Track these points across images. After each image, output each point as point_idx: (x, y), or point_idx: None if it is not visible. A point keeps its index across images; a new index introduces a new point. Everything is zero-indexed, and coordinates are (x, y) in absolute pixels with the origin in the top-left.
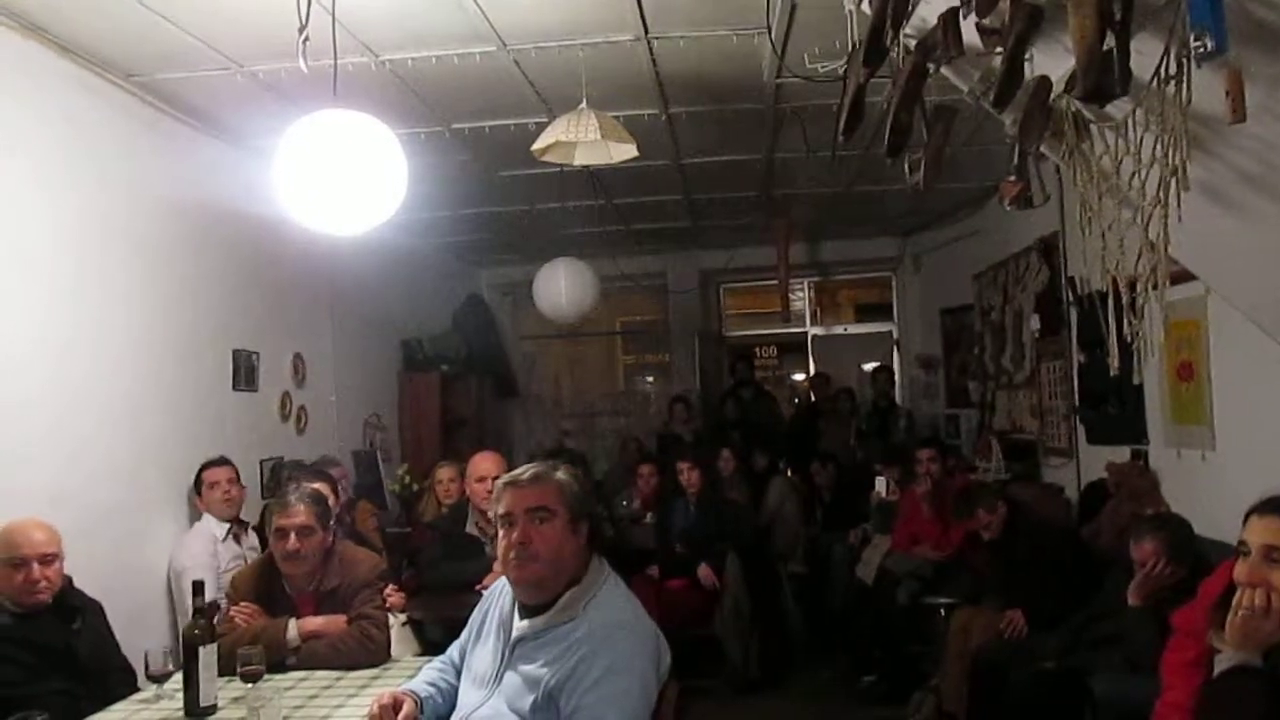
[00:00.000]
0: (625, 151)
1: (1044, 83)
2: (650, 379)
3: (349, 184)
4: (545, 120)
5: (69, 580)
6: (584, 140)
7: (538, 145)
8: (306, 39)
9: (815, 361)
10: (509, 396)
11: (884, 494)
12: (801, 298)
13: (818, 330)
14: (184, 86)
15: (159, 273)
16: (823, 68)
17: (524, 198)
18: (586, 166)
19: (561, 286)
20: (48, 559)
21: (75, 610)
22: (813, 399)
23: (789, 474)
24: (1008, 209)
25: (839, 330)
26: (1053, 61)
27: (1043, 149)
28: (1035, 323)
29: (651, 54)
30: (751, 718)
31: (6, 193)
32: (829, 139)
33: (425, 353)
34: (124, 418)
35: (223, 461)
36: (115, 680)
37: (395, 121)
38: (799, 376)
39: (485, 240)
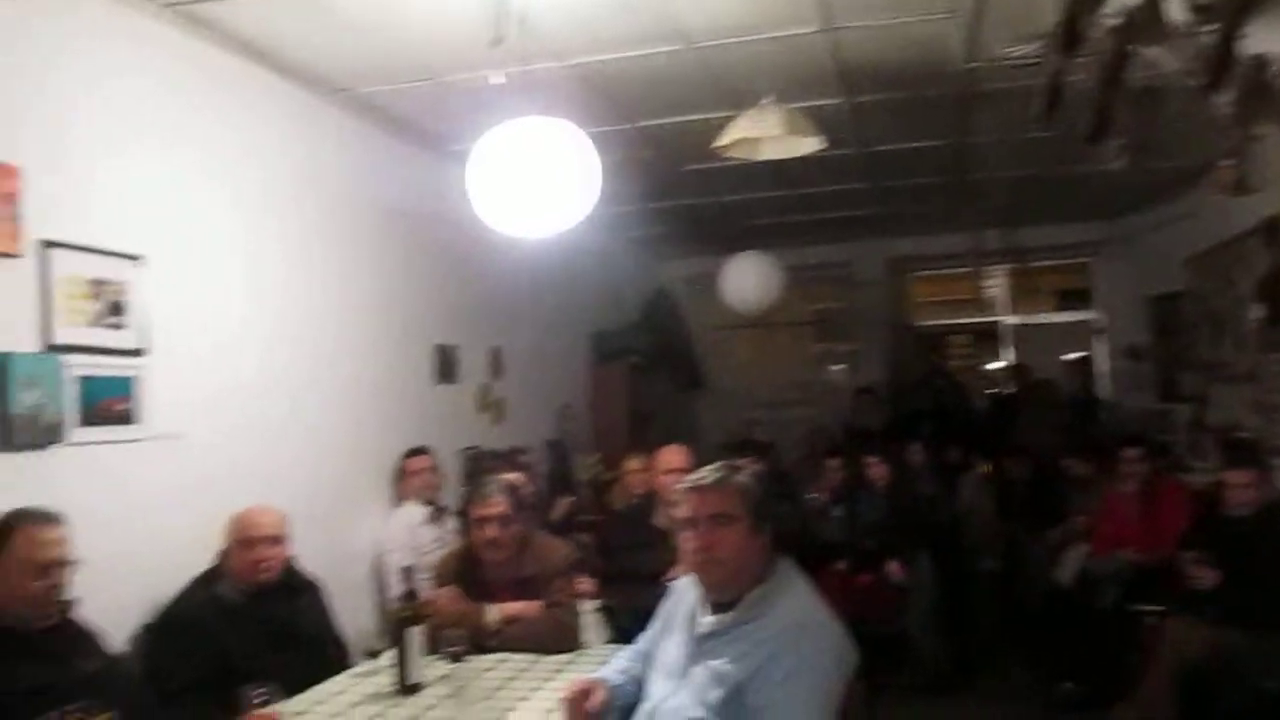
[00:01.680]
0: (809, 145)
1: (1262, 61)
2: (838, 368)
3: (541, 189)
4: (728, 114)
5: (292, 561)
6: (768, 135)
7: (721, 142)
8: (499, 46)
9: (1011, 351)
10: (696, 387)
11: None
12: (996, 285)
13: (1013, 318)
14: (388, 98)
15: (369, 274)
16: (1017, 51)
17: (709, 190)
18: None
19: (747, 280)
20: (274, 540)
21: (298, 589)
22: (1009, 390)
23: (983, 468)
24: (1224, 194)
25: (1036, 318)
26: (1273, 37)
27: (1262, 130)
28: (1258, 311)
29: (835, 44)
30: (940, 718)
31: (239, 204)
32: (1024, 122)
33: (614, 345)
34: (338, 411)
35: (422, 450)
36: (332, 655)
37: (582, 121)
38: (993, 366)
39: (672, 233)
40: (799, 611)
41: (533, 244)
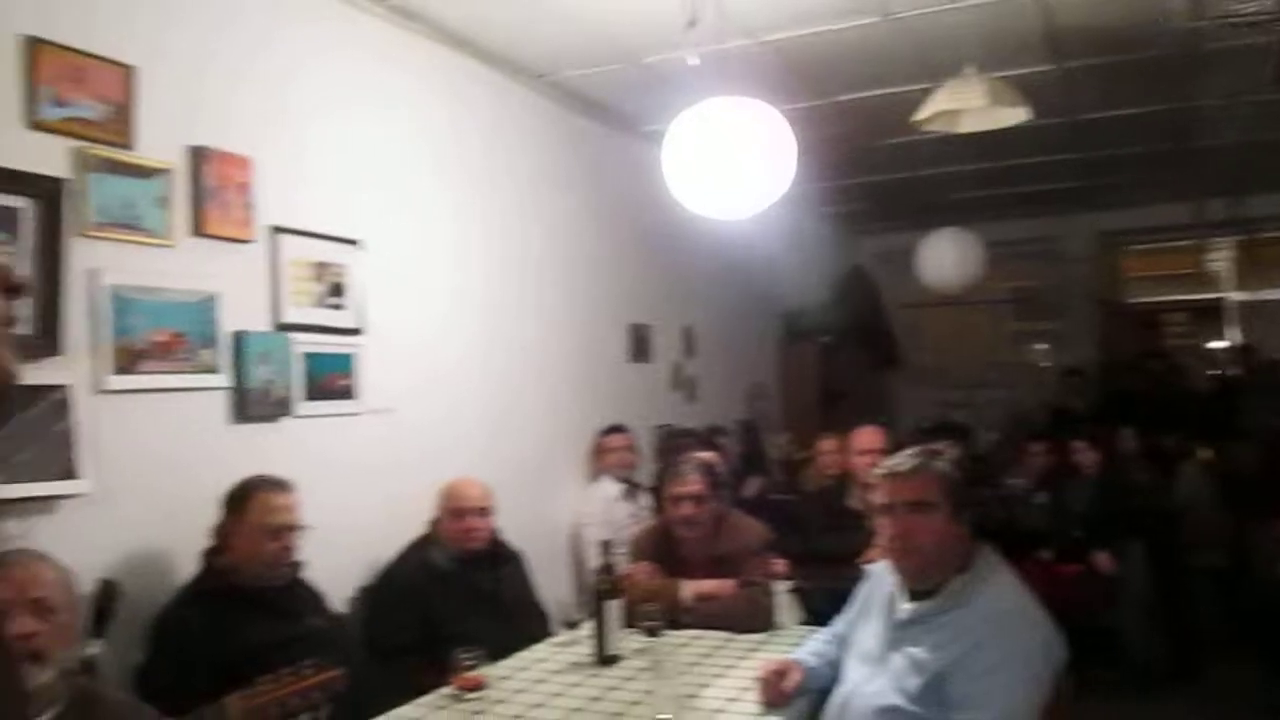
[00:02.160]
0: (1014, 115)
1: None
2: (1039, 348)
3: (736, 169)
4: (927, 86)
5: (497, 532)
6: (970, 107)
7: (920, 115)
8: (695, 27)
9: (1236, 329)
10: (890, 367)
11: None
12: (1221, 258)
13: (1240, 294)
14: (585, 82)
15: (567, 254)
16: (1247, 8)
17: (906, 165)
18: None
19: (947, 257)
20: (483, 511)
21: (502, 558)
22: (1234, 372)
23: (1204, 456)
24: None
25: (1266, 294)
26: None
27: None
28: None
29: (1045, 8)
30: (1153, 717)
31: (447, 189)
32: (1254, 84)
33: (806, 323)
34: (538, 387)
35: (620, 428)
36: (533, 624)
37: (777, 98)
38: (1216, 345)
39: (866, 209)
40: (1003, 601)
41: (725, 222)
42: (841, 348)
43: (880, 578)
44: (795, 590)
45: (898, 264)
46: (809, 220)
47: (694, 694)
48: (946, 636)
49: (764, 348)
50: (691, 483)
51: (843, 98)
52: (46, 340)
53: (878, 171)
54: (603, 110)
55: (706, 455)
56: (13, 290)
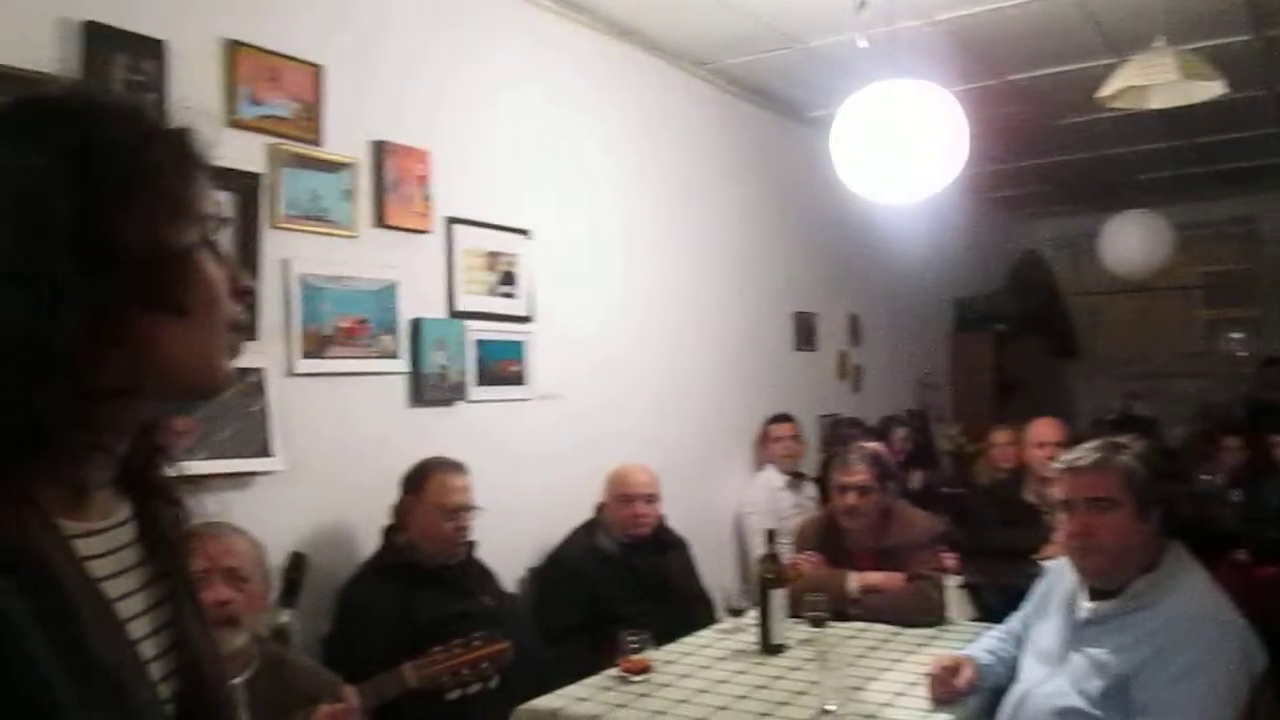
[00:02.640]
0: (1209, 89)
1: None
2: (1235, 337)
3: (906, 154)
4: (1111, 61)
5: (663, 518)
6: (1160, 82)
7: (1105, 92)
8: (863, 9)
9: None
10: (1068, 356)
11: None
12: None
13: None
14: (748, 68)
15: (732, 242)
16: None
17: (1087, 145)
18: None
19: (1132, 240)
20: (650, 498)
21: (667, 544)
22: None
23: None
24: None
25: None
26: None
27: None
28: None
29: None
30: None
31: (614, 179)
32: None
33: (978, 312)
34: (703, 374)
35: (786, 418)
36: (697, 610)
37: (949, 79)
38: None
39: (1043, 192)
40: (1194, 603)
41: (892, 208)
42: (1016, 337)
43: (1061, 574)
44: (966, 585)
45: (1076, 249)
46: (981, 204)
47: (860, 686)
48: (1130, 639)
49: (934, 337)
50: (857, 472)
51: (1019, 76)
52: (245, 326)
53: (1056, 152)
54: (767, 96)
55: (874, 445)
56: (242, 294)
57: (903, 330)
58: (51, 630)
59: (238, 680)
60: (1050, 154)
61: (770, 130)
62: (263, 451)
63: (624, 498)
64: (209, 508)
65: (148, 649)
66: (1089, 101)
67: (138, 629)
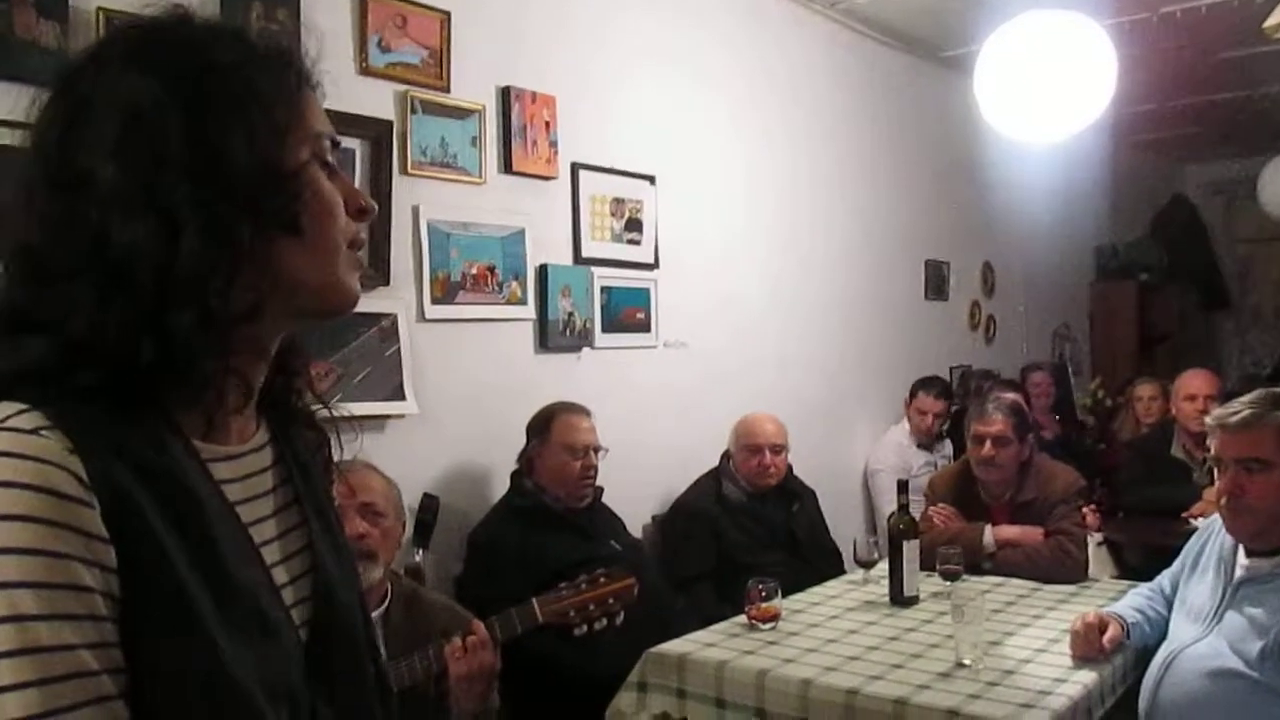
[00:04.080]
0: None
1: None
2: None
3: (1054, 89)
4: None
5: (790, 468)
6: None
7: (1271, 21)
8: None
9: None
10: (1219, 308)
11: None
12: None
13: None
14: (878, 6)
15: (860, 187)
16: None
17: (1245, 83)
18: None
19: None
20: (777, 449)
21: (795, 495)
22: None
23: None
24: None
25: None
26: None
27: None
28: None
29: None
30: None
31: (737, 123)
32: None
33: (1120, 260)
34: (829, 324)
35: (940, 393)
36: (825, 561)
37: (1097, 11)
38: None
39: (1194, 135)
40: None
41: (1031, 153)
42: (1162, 287)
43: (1216, 531)
44: (1107, 542)
45: (1229, 195)
46: (1126, 148)
47: (997, 641)
48: None
49: (1072, 286)
50: (993, 423)
51: (1174, 8)
52: (378, 271)
53: (1210, 91)
54: (899, 35)
55: (1012, 395)
56: (361, 212)
57: (1040, 280)
58: (190, 546)
59: (374, 614)
60: (1204, 92)
61: (901, 71)
62: (396, 395)
63: (751, 448)
64: (346, 446)
65: (281, 574)
66: (1249, 34)
67: (272, 554)
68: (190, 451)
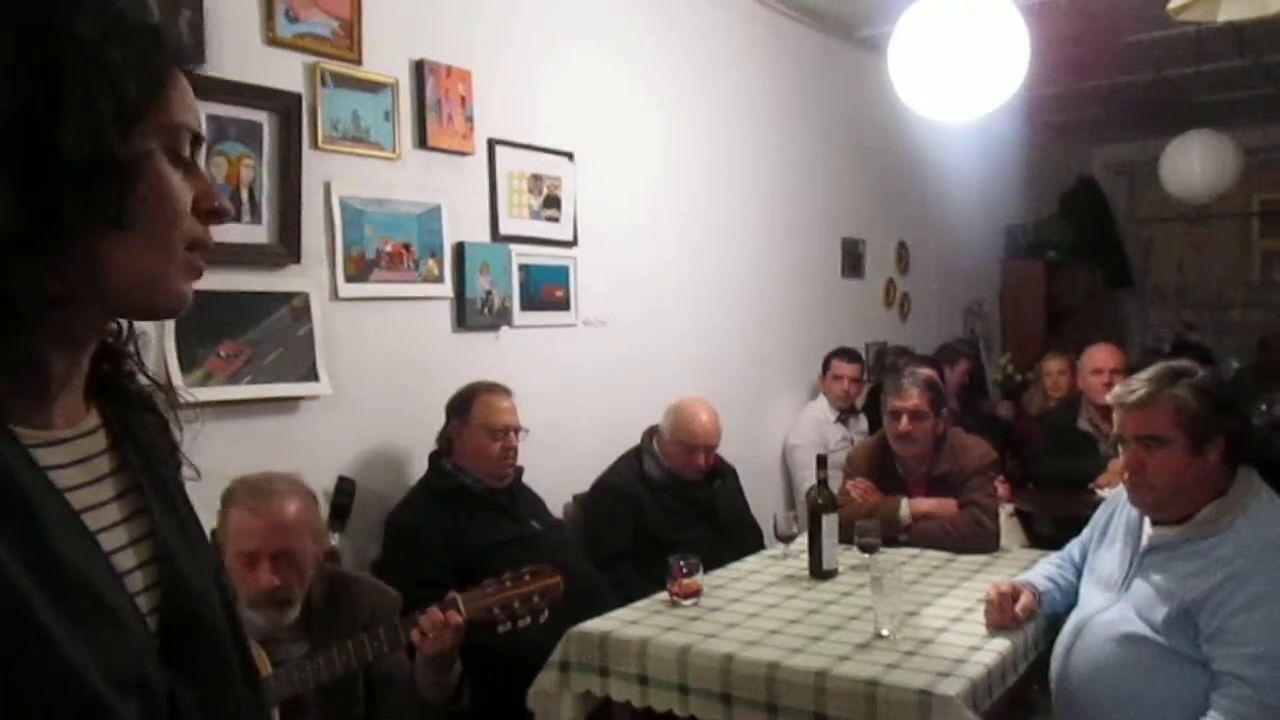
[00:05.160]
0: None
1: None
2: None
3: (967, 69)
4: None
5: None
6: None
7: (1175, 4)
8: None
9: None
10: (1122, 285)
11: None
12: None
13: None
14: None
15: (777, 165)
16: None
17: (1150, 65)
18: (1232, 23)
19: (1195, 164)
20: (712, 449)
21: (716, 471)
22: None
23: None
24: None
25: None
26: None
27: None
28: None
29: None
30: None
31: (656, 100)
32: None
33: (1030, 239)
34: (748, 301)
35: (852, 358)
36: (746, 536)
37: None
38: None
39: (1099, 116)
40: (1268, 529)
41: (944, 133)
42: (1068, 265)
43: (1123, 502)
44: (1018, 513)
45: (1132, 175)
46: (1035, 130)
47: (914, 611)
48: (1197, 565)
49: (983, 264)
50: (909, 397)
51: None
52: (288, 249)
53: (1117, 73)
54: (815, 15)
55: (927, 370)
56: (213, 214)
57: (952, 258)
58: (14, 537)
59: (296, 655)
60: (1111, 75)
61: (818, 50)
62: (310, 376)
63: (688, 446)
64: (251, 444)
65: (125, 560)
66: (1154, 18)
67: (112, 539)
68: (8, 435)
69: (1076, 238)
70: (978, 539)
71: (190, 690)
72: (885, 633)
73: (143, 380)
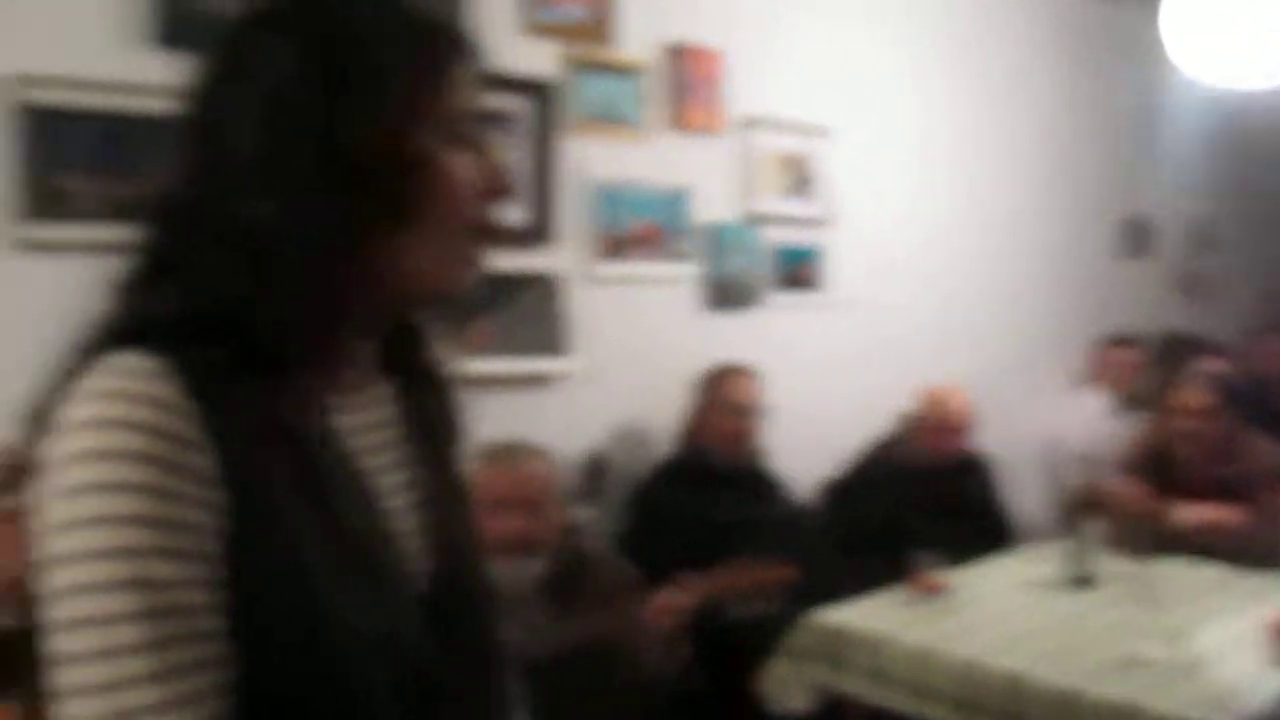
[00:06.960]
0: None
1: None
2: None
3: (1256, 30)
4: None
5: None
6: None
7: None
8: None
9: None
10: None
11: None
12: None
13: None
14: None
15: (1044, 140)
16: None
17: None
18: None
19: None
20: (964, 430)
21: (970, 464)
22: None
23: None
24: None
25: None
26: None
27: None
28: None
29: None
30: None
31: (914, 70)
32: None
33: None
34: (1011, 283)
35: (1131, 341)
36: (999, 534)
37: None
38: None
39: None
40: None
41: (1244, 100)
42: None
43: None
44: None
45: None
46: None
47: (1184, 633)
48: None
49: None
50: (1196, 395)
51: None
52: (542, 230)
53: None
54: None
55: (1217, 365)
56: (497, 195)
57: (1257, 235)
58: (303, 490)
59: (534, 572)
60: None
61: (1091, 13)
62: (561, 353)
63: (939, 427)
64: (491, 413)
65: (401, 523)
66: None
67: (392, 504)
68: (308, 399)
69: None
70: (1267, 555)
71: (447, 656)
72: (1148, 653)
73: (428, 357)
